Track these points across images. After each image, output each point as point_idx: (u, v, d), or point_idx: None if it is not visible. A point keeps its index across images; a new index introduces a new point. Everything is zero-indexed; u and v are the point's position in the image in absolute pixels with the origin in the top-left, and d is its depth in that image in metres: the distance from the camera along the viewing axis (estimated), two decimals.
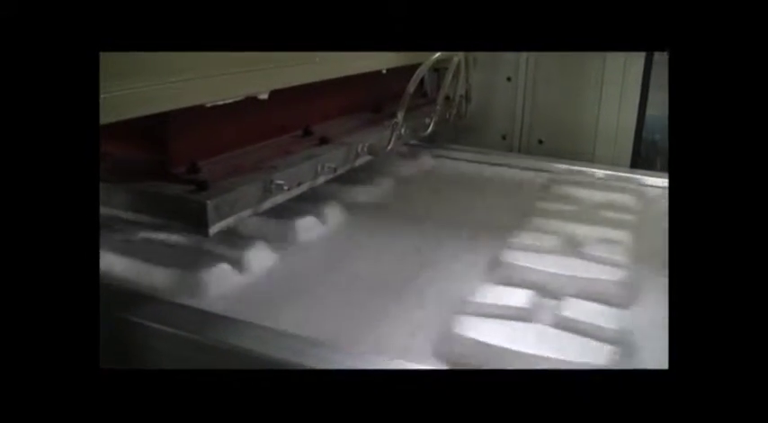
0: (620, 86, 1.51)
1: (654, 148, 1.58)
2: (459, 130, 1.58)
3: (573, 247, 0.97)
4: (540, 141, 1.61)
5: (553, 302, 0.79)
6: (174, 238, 0.92)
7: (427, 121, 1.25)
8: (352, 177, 1.15)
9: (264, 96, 0.83)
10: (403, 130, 1.11)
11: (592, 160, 1.53)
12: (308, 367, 0.63)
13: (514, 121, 1.62)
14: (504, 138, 1.63)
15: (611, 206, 1.16)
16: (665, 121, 1.54)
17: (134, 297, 0.75)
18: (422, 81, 1.13)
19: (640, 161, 1.57)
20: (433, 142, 1.52)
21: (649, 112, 1.56)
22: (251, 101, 0.82)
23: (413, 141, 1.40)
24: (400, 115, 1.07)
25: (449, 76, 1.26)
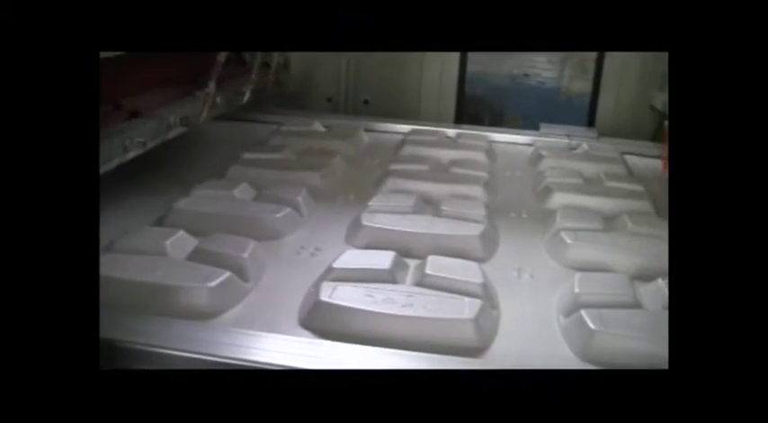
0: None
1: (478, 103, 1.64)
2: (285, 95, 1.58)
3: (430, 206, 0.98)
4: (366, 102, 1.63)
5: (416, 261, 0.79)
6: None
7: (243, 89, 1.23)
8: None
9: None
10: (218, 100, 1.08)
11: (417, 117, 1.57)
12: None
13: (339, 83, 1.63)
14: (329, 100, 1.65)
15: (462, 164, 1.18)
16: (485, 77, 1.62)
17: None
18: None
19: (465, 116, 1.63)
20: (260, 110, 1.50)
21: (470, 68, 1.62)
22: None
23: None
24: (212, 85, 1.05)
25: None
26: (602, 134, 1.51)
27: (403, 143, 1.31)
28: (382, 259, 0.77)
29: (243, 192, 1.00)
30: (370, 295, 0.69)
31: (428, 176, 1.10)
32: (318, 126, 1.41)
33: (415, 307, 0.68)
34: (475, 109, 1.66)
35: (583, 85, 1.63)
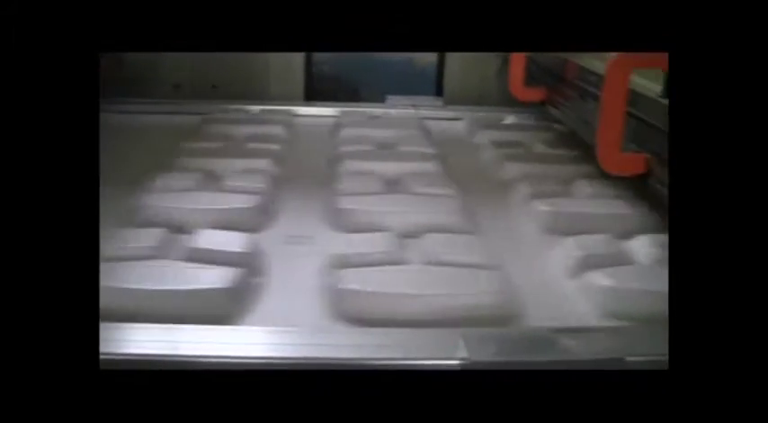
0: None
1: (331, 80, 1.67)
2: (130, 82, 1.55)
3: (213, 182, 0.99)
4: (214, 86, 1.62)
5: (185, 237, 0.80)
6: None
7: None
8: None
9: None
10: None
11: (266, 98, 1.57)
12: None
13: (184, 70, 1.61)
14: (176, 87, 1.62)
15: (257, 138, 1.20)
16: (336, 54, 1.63)
17: None
18: None
19: (318, 94, 1.65)
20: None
21: None
22: None
23: None
24: None
25: None
26: (449, 102, 1.55)
27: (202, 123, 1.31)
28: (151, 236, 0.78)
29: None
30: (139, 273, 0.70)
31: (219, 153, 1.10)
32: None
33: (180, 280, 0.69)
34: (327, 87, 1.66)
35: (435, 56, 1.66)
